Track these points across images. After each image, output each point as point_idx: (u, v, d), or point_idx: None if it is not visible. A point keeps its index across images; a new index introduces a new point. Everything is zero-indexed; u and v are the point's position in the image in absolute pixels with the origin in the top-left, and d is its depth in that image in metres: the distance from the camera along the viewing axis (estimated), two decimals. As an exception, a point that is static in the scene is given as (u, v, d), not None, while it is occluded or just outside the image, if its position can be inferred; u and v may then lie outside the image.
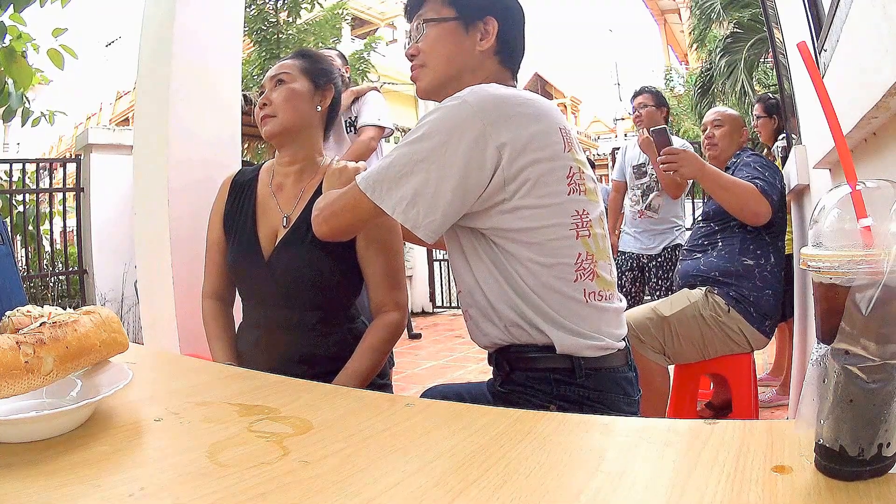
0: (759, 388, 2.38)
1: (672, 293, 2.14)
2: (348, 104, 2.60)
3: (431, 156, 0.92)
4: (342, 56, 2.68)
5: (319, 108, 1.31)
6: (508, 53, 1.09)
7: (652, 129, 2.17)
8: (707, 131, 2.29)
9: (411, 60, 1.10)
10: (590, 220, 0.99)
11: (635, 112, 2.95)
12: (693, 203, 5.05)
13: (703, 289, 1.94)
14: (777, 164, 2.64)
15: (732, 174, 2.03)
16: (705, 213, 2.16)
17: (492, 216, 0.96)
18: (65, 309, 0.83)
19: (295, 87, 1.26)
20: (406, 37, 1.13)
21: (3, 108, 3.01)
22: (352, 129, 2.63)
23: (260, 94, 1.29)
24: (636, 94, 2.99)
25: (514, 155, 0.93)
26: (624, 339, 1.03)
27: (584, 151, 1.09)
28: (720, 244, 2.02)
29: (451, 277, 6.69)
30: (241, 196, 1.32)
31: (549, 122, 0.99)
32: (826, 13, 1.58)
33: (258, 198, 1.30)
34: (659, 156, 1.97)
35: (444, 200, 0.92)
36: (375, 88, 2.75)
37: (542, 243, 0.95)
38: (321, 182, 1.27)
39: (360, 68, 7.86)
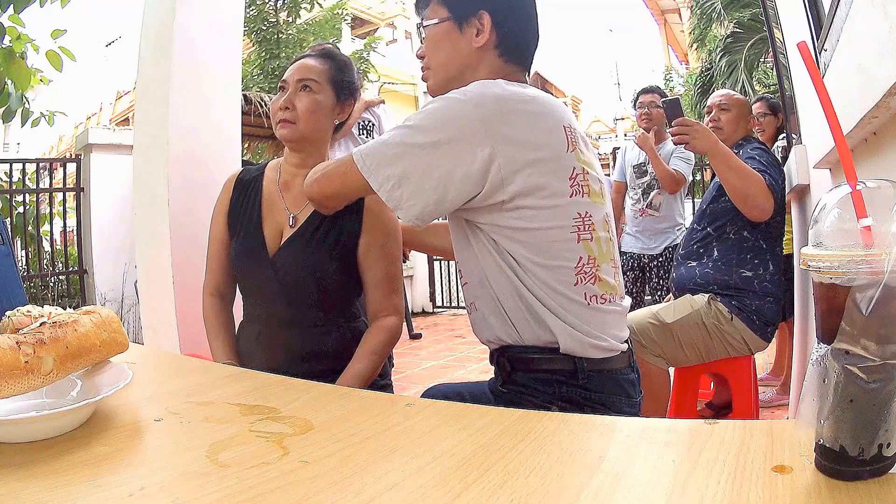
0: (759, 388, 2.38)
1: (673, 294, 2.13)
2: (361, 112, 2.76)
3: (424, 144, 0.92)
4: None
5: (337, 121, 1.32)
6: (510, 46, 1.05)
7: (664, 99, 2.11)
8: (712, 114, 2.15)
9: (421, 62, 1.10)
10: (592, 223, 0.97)
11: (644, 109, 2.91)
12: (693, 202, 5.03)
13: (706, 296, 1.90)
14: (777, 163, 2.62)
15: None
16: (701, 210, 2.07)
17: (491, 213, 0.95)
18: (65, 309, 0.83)
19: (320, 100, 1.26)
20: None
21: (3, 108, 3.01)
22: (363, 132, 2.78)
23: (280, 89, 1.27)
24: (645, 92, 2.95)
25: (512, 154, 0.91)
26: (626, 341, 1.02)
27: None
28: (716, 253, 1.96)
29: (452, 277, 6.72)
30: (246, 193, 1.32)
31: (553, 120, 0.97)
32: (826, 13, 1.58)
33: (264, 195, 1.30)
34: (670, 126, 1.90)
35: (427, 188, 0.92)
36: (382, 101, 2.92)
37: (541, 244, 0.94)
38: None
39: (361, 68, 7.87)
